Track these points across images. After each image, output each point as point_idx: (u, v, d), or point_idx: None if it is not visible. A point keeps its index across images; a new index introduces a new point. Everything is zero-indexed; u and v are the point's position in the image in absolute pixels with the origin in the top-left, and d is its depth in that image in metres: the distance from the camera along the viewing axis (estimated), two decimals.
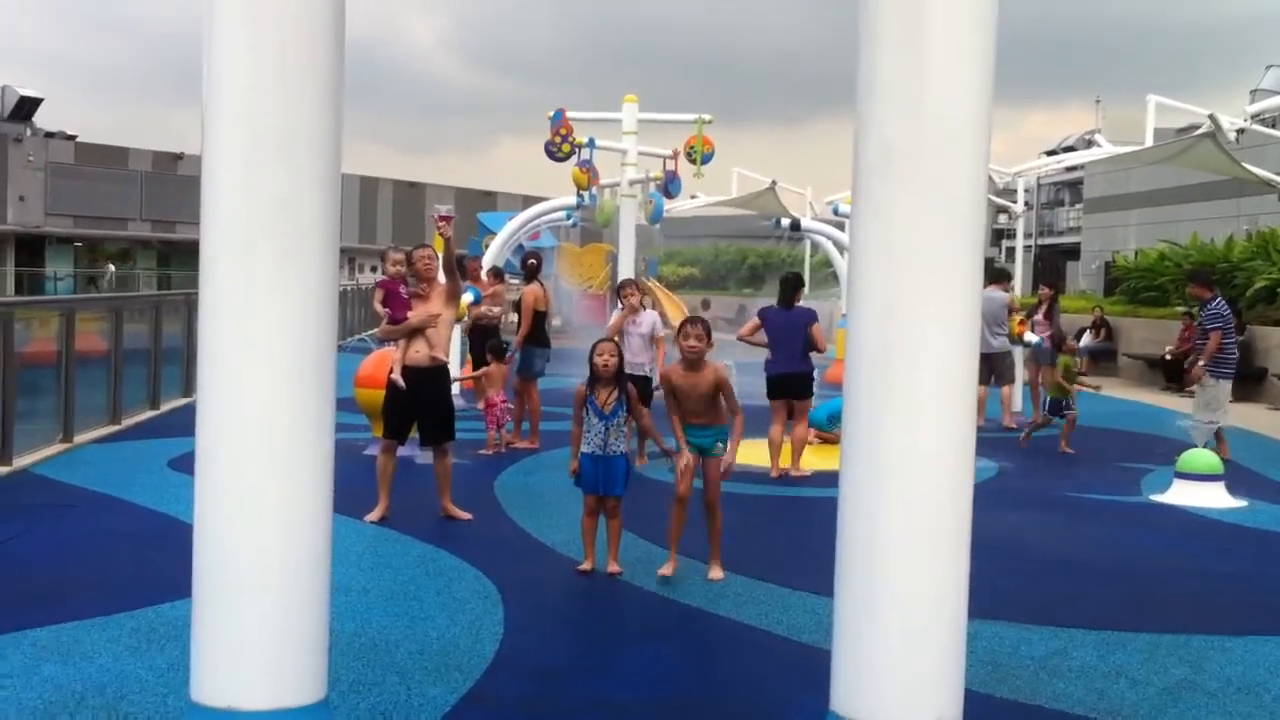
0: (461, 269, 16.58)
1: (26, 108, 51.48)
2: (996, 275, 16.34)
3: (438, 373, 9.17)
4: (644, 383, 11.49)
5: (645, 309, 12.60)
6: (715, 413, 7.84)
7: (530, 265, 14.16)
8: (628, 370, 9.02)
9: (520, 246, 28.99)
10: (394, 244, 9.66)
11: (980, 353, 15.58)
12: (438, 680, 5.63)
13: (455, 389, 15.94)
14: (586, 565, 7.78)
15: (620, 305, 12.46)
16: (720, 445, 7.85)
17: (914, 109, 3.59)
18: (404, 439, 9.50)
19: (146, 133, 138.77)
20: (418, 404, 9.14)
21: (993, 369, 15.60)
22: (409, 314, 9.18)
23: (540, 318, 13.58)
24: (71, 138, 54.79)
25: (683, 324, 8.00)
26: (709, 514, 7.83)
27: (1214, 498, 10.88)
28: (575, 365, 15.02)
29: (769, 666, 6.08)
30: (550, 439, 13.07)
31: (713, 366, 7.86)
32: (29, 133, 51.92)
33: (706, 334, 7.90)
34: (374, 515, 9.08)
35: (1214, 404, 12.87)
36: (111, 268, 53.71)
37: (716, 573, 7.70)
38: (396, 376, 9.05)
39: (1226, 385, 12.94)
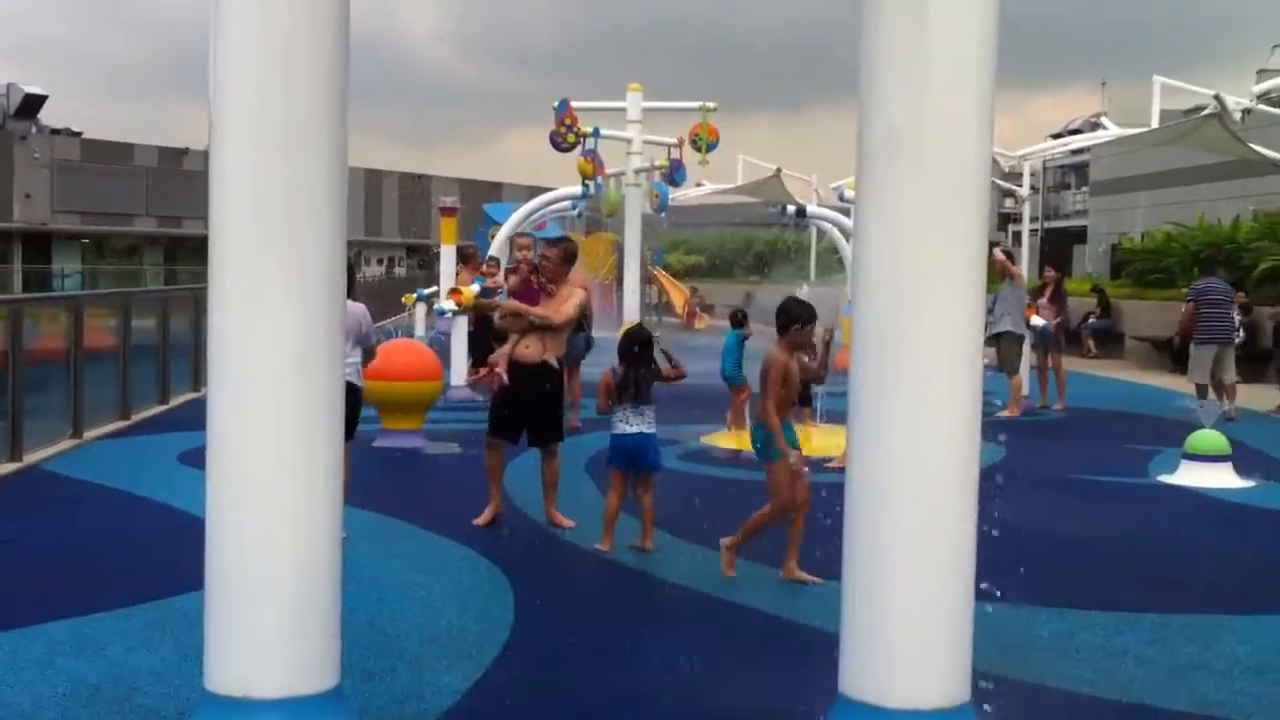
0: (466, 259, 16.44)
1: (32, 105, 51.57)
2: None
3: (548, 372, 8.70)
4: None
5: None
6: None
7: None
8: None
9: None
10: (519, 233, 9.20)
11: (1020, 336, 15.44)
12: (450, 668, 5.66)
13: (460, 381, 15.95)
14: (605, 545, 7.87)
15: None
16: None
17: (917, 91, 3.59)
18: (514, 440, 8.86)
19: (151, 128, 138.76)
20: (527, 404, 8.66)
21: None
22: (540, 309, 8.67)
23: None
24: (77, 134, 54.86)
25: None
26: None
27: (1222, 478, 10.87)
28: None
29: (779, 651, 6.11)
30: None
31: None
32: (34, 130, 51.98)
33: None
34: (483, 519, 8.67)
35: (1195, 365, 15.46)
36: None
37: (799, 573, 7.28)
38: (502, 371, 8.67)
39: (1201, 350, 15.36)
